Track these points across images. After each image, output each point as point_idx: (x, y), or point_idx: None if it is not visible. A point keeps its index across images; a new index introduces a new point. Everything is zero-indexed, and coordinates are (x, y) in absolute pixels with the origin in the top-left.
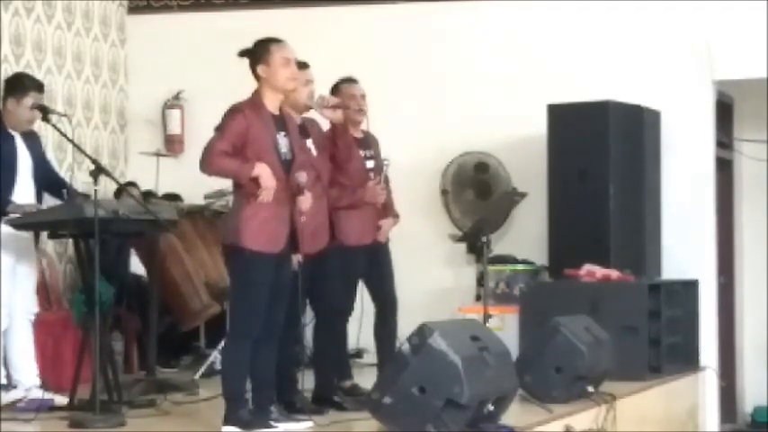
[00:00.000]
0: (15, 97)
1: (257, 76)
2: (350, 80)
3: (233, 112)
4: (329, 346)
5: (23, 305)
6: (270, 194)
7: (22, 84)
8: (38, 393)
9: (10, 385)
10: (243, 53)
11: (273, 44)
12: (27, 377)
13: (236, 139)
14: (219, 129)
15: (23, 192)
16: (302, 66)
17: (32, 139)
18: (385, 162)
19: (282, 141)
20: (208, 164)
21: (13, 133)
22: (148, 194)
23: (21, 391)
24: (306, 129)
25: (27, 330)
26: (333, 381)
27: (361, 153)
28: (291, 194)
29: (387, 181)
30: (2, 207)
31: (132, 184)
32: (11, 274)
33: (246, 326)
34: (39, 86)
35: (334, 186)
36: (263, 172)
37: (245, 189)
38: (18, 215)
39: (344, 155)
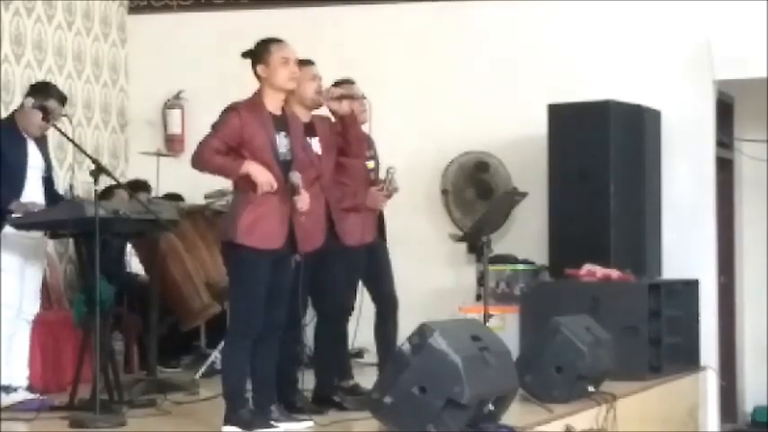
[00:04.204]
0: (36, 100)
1: (258, 77)
2: (347, 81)
3: (228, 111)
4: (331, 345)
5: (25, 305)
6: (267, 185)
7: (46, 89)
8: (27, 395)
9: (10, 388)
10: (245, 54)
11: (273, 44)
12: (17, 378)
13: (229, 139)
14: (214, 126)
15: (33, 195)
16: (307, 62)
17: (44, 144)
18: (390, 171)
19: (282, 141)
20: (199, 160)
21: (25, 135)
22: (141, 187)
23: (21, 395)
24: (314, 127)
25: (24, 331)
26: (334, 380)
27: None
28: (289, 194)
29: (394, 188)
30: (3, 205)
31: (140, 183)
32: (19, 275)
33: (245, 325)
34: (61, 97)
35: (337, 186)
36: (253, 168)
37: (244, 186)
38: (19, 215)
39: (356, 148)
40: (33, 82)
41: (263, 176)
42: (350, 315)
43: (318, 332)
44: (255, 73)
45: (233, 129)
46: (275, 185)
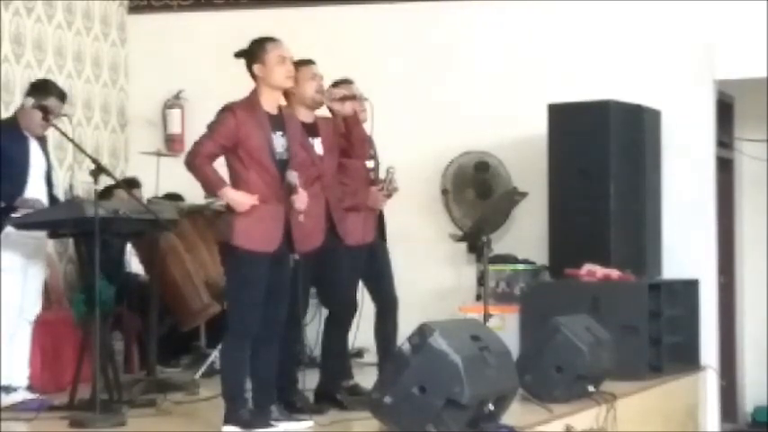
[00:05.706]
0: (35, 99)
1: (254, 76)
2: (346, 81)
3: (223, 111)
4: (338, 343)
5: (26, 305)
6: (245, 209)
7: (45, 87)
8: (27, 395)
9: (10, 388)
10: (239, 54)
11: (269, 43)
12: (17, 378)
13: (225, 140)
14: (210, 128)
15: (35, 194)
16: (307, 62)
17: (44, 144)
18: (390, 171)
19: (279, 141)
20: (191, 164)
21: (27, 135)
22: (131, 184)
23: (21, 395)
24: (317, 127)
25: (25, 331)
26: (337, 378)
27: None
28: (286, 194)
29: (394, 188)
30: (8, 203)
31: (128, 180)
32: (21, 275)
33: (243, 324)
34: (61, 94)
35: (337, 186)
36: (230, 197)
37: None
38: (22, 213)
39: (359, 149)
40: (32, 80)
41: (241, 203)
42: (353, 314)
43: (328, 330)
44: (251, 72)
45: (228, 129)
46: (255, 201)
